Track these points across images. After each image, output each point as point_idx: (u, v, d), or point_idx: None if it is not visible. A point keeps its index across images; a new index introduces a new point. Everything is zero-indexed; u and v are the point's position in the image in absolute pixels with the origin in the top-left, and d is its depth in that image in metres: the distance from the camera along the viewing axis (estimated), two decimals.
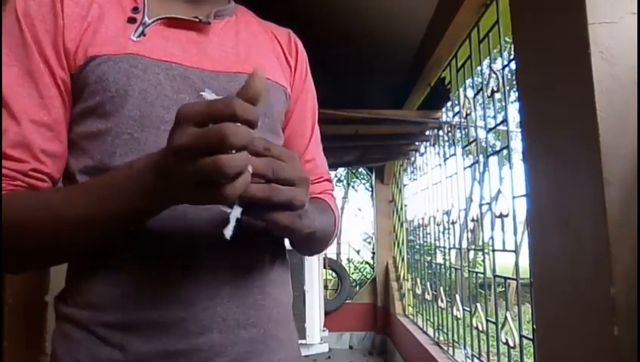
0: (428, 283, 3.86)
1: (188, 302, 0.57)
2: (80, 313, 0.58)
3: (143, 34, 0.61)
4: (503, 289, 3.72)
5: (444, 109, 3.34)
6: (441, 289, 3.46)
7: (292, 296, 0.72)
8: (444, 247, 3.34)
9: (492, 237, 2.21)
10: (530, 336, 1.68)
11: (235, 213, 0.46)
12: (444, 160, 3.24)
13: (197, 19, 0.65)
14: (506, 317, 2.00)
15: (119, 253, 0.57)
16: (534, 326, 1.40)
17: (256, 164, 0.45)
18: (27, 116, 0.56)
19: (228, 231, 0.45)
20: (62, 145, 0.59)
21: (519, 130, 1.38)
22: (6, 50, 0.57)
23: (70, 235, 0.52)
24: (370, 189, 5.90)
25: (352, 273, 6.63)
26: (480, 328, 2.46)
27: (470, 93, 2.85)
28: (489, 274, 2.31)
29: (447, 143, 3.29)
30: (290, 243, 0.70)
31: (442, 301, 3.38)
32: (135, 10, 0.63)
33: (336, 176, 10.31)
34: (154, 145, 0.58)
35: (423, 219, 3.98)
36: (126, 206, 0.49)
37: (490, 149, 2.44)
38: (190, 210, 0.58)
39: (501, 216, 2.00)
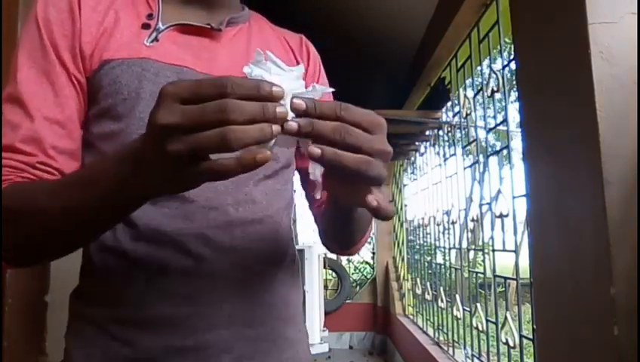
0: (428, 283, 3.86)
1: (194, 299, 0.58)
2: (91, 308, 0.60)
3: (156, 39, 0.63)
4: (503, 289, 3.73)
5: (444, 109, 3.34)
6: (441, 289, 3.46)
7: (302, 296, 0.72)
8: (444, 247, 3.34)
9: (492, 237, 2.21)
10: (530, 336, 1.68)
11: (317, 173, 0.44)
12: (444, 160, 3.24)
13: (209, 26, 0.66)
14: (506, 317, 2.00)
15: (129, 250, 0.59)
16: (534, 326, 1.40)
17: (319, 127, 0.41)
18: (41, 113, 0.58)
19: (317, 195, 0.45)
20: (74, 143, 0.61)
21: (519, 130, 1.38)
22: (26, 53, 0.60)
23: (55, 226, 0.51)
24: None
25: (352, 273, 6.63)
26: (480, 328, 2.46)
27: (470, 93, 2.85)
28: (489, 274, 2.31)
29: (447, 143, 3.29)
30: (328, 231, 0.70)
31: (442, 301, 3.38)
32: (150, 16, 0.65)
33: None
34: None
35: (423, 219, 3.98)
36: (99, 198, 0.47)
37: (490, 149, 2.44)
38: (198, 210, 0.60)
39: (501, 216, 2.00)
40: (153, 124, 0.40)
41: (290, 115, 0.41)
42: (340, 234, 0.70)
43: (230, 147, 0.38)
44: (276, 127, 0.40)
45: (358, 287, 5.97)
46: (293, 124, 0.41)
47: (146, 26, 0.64)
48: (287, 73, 0.43)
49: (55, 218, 0.50)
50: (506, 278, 2.17)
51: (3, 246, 0.52)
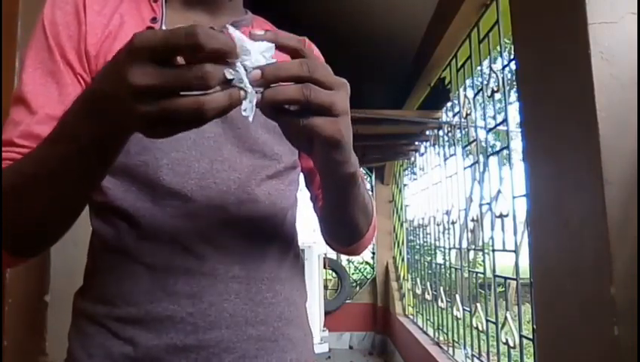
0: (428, 283, 3.86)
1: (196, 298, 0.58)
2: (94, 307, 0.60)
3: None
4: (503, 289, 3.74)
5: (444, 109, 3.35)
6: (441, 289, 3.46)
7: (306, 297, 0.72)
8: (444, 247, 3.35)
9: (492, 237, 2.21)
10: (530, 336, 1.68)
11: (251, 97, 0.42)
12: (444, 160, 3.24)
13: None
14: (506, 317, 2.00)
15: (132, 249, 0.59)
16: (534, 326, 1.40)
17: (285, 65, 0.43)
18: (43, 111, 0.58)
19: (250, 114, 0.42)
20: None
21: (519, 130, 1.38)
22: (33, 54, 0.61)
23: (40, 191, 0.50)
24: (371, 189, 5.91)
25: (352, 273, 6.62)
26: (480, 328, 2.46)
27: (470, 93, 2.85)
28: (489, 274, 2.31)
29: (447, 143, 3.29)
30: (329, 227, 0.69)
31: (442, 301, 3.38)
32: (154, 20, 0.66)
33: None
34: (165, 143, 0.60)
35: (423, 219, 3.98)
36: (63, 153, 0.46)
37: (490, 149, 2.44)
38: (201, 209, 0.60)
39: (501, 216, 2.00)
40: (125, 83, 0.38)
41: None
42: (341, 226, 0.68)
43: (205, 118, 0.38)
44: (241, 93, 0.40)
45: (358, 287, 5.97)
46: (257, 73, 0.41)
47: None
48: (257, 45, 0.42)
49: (39, 181, 0.49)
50: (506, 278, 2.17)
51: (4, 233, 0.51)
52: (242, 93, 0.40)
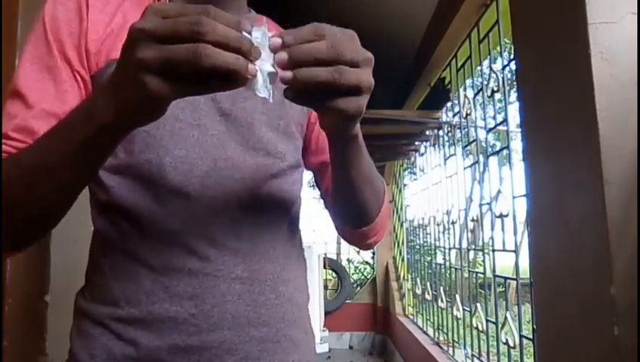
0: (428, 283, 3.86)
1: (199, 299, 0.58)
2: (96, 308, 0.60)
3: None
4: (503, 289, 3.75)
5: (444, 109, 3.34)
6: (441, 289, 3.46)
7: (308, 298, 0.72)
8: (444, 247, 3.35)
9: (492, 237, 2.21)
10: (530, 336, 1.68)
11: (265, 69, 0.41)
12: (444, 160, 3.24)
13: None
14: (506, 317, 2.00)
15: (134, 249, 0.59)
16: (534, 326, 1.40)
17: (312, 48, 0.42)
18: (39, 105, 0.58)
19: (265, 95, 0.41)
20: None
21: (519, 130, 1.38)
22: (31, 49, 0.61)
23: (41, 183, 0.50)
24: None
25: (352, 273, 6.63)
26: (480, 328, 2.46)
27: (470, 93, 2.85)
28: (489, 274, 2.31)
29: (447, 143, 3.29)
30: (341, 209, 0.68)
31: (442, 301, 3.38)
32: None
33: None
34: (169, 141, 0.60)
35: (423, 219, 3.98)
36: (70, 134, 0.47)
37: (490, 149, 2.44)
38: (204, 209, 0.60)
39: (501, 216, 2.00)
40: (129, 31, 0.41)
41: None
42: (349, 199, 0.65)
43: (199, 62, 0.38)
44: (252, 66, 0.40)
45: (358, 287, 5.98)
46: (284, 55, 0.41)
47: None
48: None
49: (38, 168, 0.49)
50: (506, 278, 2.17)
51: (4, 226, 0.51)
52: (254, 68, 0.40)
